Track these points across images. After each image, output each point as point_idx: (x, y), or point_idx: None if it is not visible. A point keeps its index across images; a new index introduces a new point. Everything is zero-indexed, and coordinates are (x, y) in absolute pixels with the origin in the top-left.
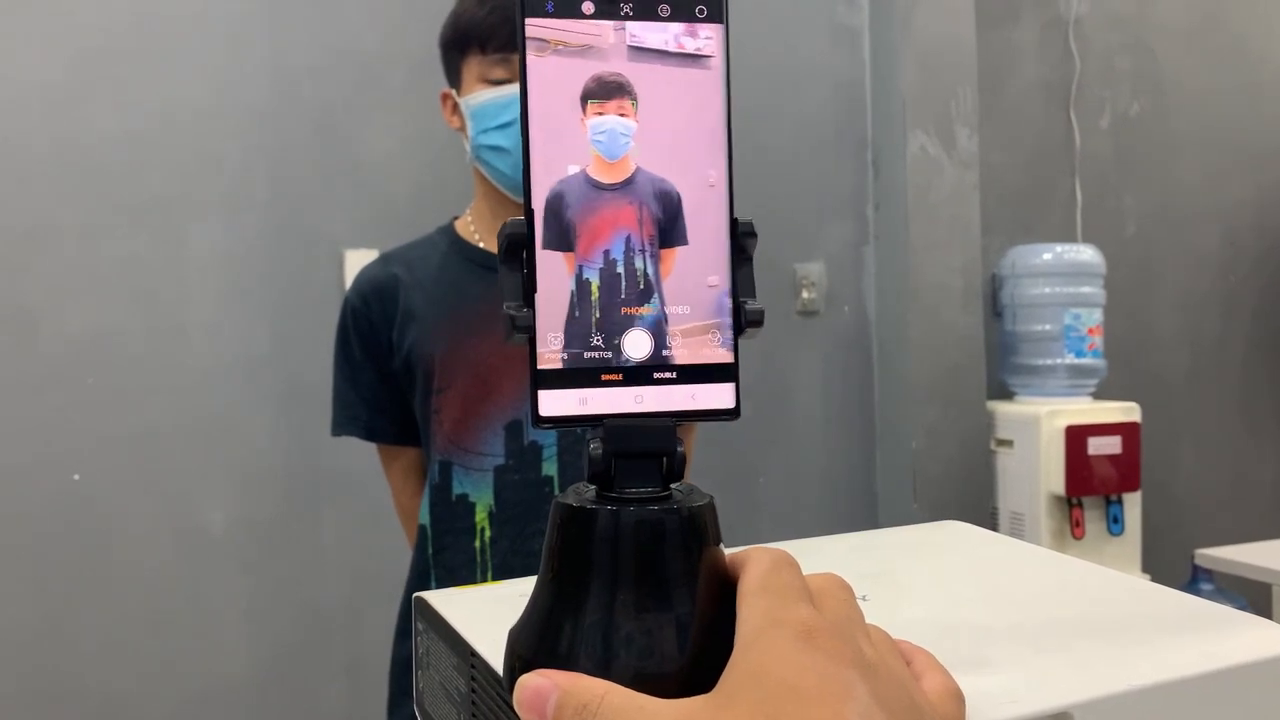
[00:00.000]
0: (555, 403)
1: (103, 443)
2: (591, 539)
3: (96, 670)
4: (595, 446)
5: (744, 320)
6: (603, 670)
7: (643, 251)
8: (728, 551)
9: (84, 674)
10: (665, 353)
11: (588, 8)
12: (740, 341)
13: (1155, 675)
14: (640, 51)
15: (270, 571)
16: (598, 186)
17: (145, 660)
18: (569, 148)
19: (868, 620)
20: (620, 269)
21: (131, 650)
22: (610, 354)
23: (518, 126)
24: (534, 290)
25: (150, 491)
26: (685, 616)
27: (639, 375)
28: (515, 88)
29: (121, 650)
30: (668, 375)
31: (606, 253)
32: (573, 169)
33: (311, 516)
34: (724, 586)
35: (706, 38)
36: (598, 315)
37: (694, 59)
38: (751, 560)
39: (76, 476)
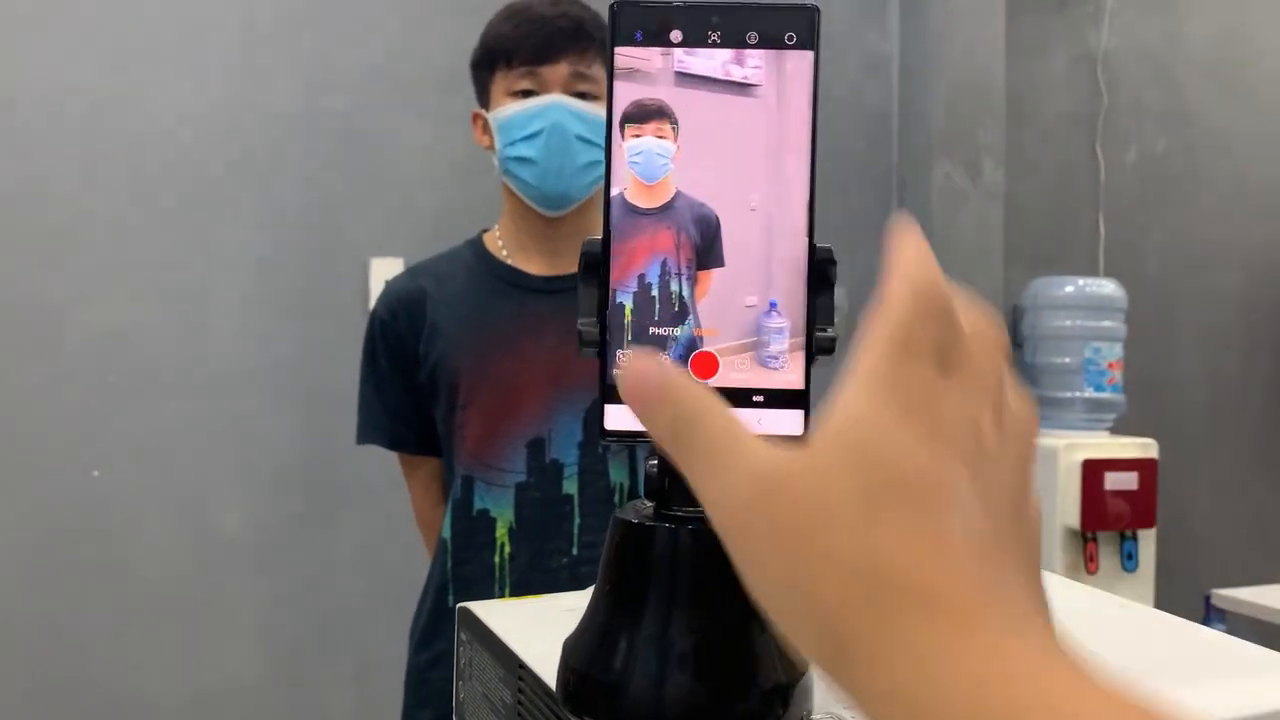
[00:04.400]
0: (620, 417)
1: (123, 441)
2: (649, 555)
3: (109, 668)
4: (653, 464)
5: (815, 348)
6: (656, 686)
7: (679, 275)
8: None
9: (97, 671)
10: (735, 375)
11: (676, 36)
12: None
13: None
14: (686, 78)
15: (284, 575)
16: (635, 211)
17: (157, 659)
18: (612, 170)
19: None
20: (655, 293)
21: (144, 649)
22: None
23: (544, 138)
24: (606, 307)
25: (168, 491)
26: (740, 636)
27: None
28: (540, 100)
29: (134, 649)
30: (735, 399)
31: (641, 277)
32: (612, 191)
33: (327, 522)
34: None
35: (755, 66)
36: (629, 338)
37: (741, 87)
38: (894, 292)
39: (96, 473)
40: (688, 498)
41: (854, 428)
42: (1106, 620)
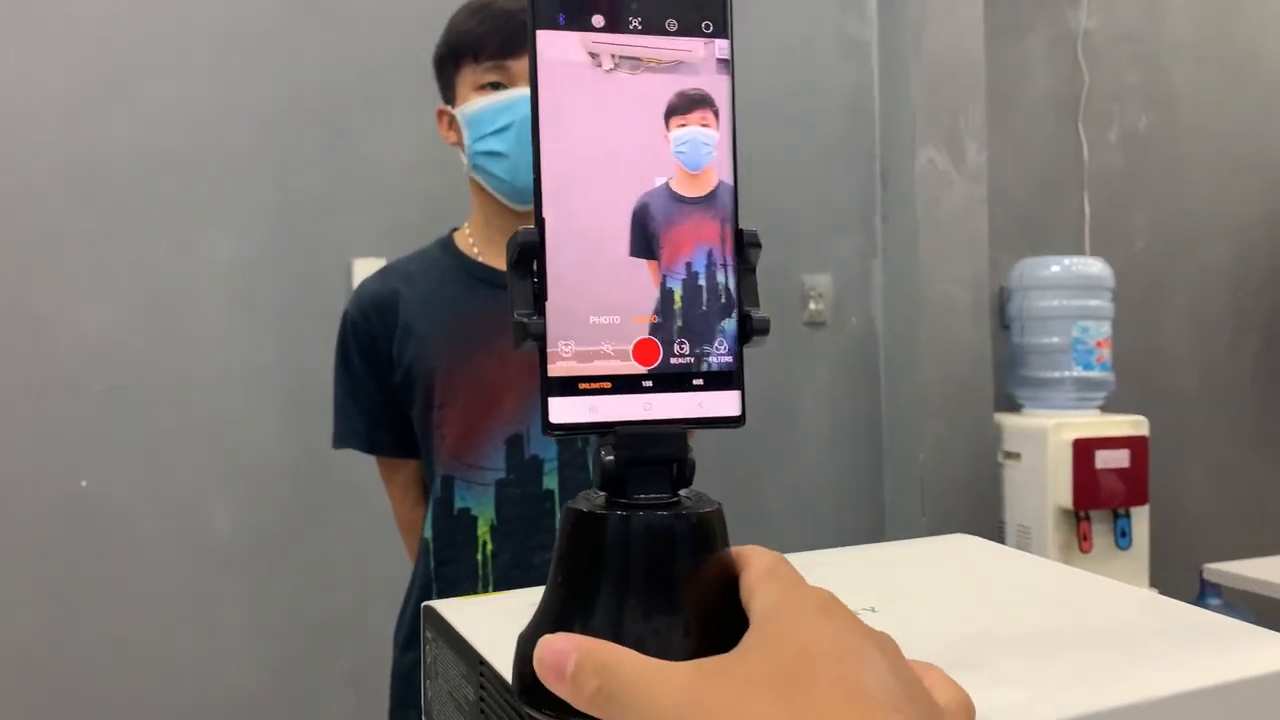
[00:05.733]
0: (565, 410)
1: (111, 449)
2: (602, 544)
3: (103, 677)
4: (607, 453)
5: (751, 328)
6: None
7: (724, 265)
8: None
9: (90, 680)
10: (674, 361)
11: (598, 21)
12: (745, 350)
13: (1166, 687)
14: (723, 64)
15: (277, 579)
16: (681, 200)
17: (151, 667)
18: (655, 160)
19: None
20: (702, 283)
21: (137, 657)
22: (620, 362)
23: (513, 131)
24: (545, 298)
25: (158, 498)
26: (693, 620)
27: (649, 383)
28: (509, 93)
29: (128, 657)
30: (678, 384)
31: (688, 265)
32: (659, 180)
33: (319, 524)
34: (733, 590)
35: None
36: (680, 324)
37: (729, 66)
38: (754, 556)
39: (84, 483)
40: (640, 487)
41: (768, 629)
42: (1080, 595)
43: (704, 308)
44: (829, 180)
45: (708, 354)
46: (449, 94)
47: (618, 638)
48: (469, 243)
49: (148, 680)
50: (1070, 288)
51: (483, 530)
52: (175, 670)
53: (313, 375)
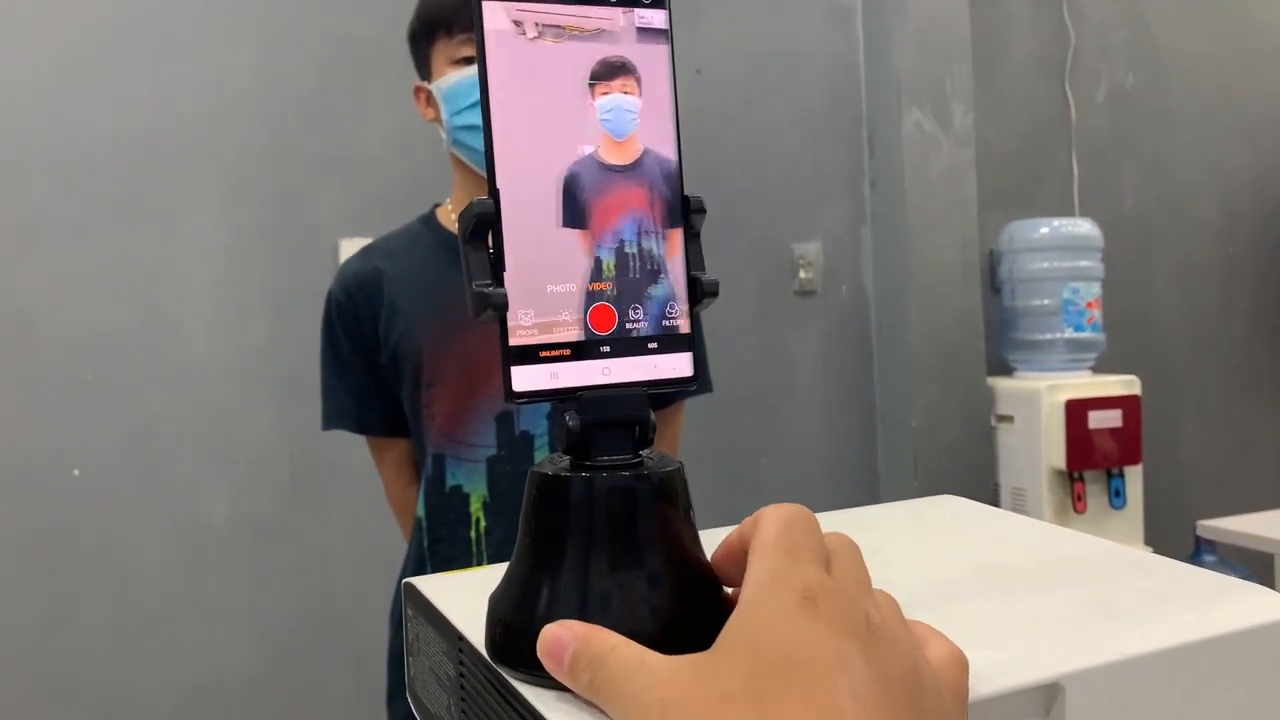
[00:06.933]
0: (527, 378)
1: (102, 438)
2: (567, 505)
3: (100, 665)
4: (572, 417)
5: (701, 291)
6: None
7: (653, 233)
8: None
9: (88, 669)
10: (629, 326)
11: None
12: (700, 313)
13: (1148, 644)
14: (645, 33)
15: (273, 564)
16: (608, 169)
17: (149, 655)
18: (580, 129)
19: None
20: (630, 250)
21: (135, 645)
22: (578, 329)
23: None
24: (503, 268)
25: (151, 486)
26: (657, 575)
27: (606, 348)
28: None
29: (125, 645)
30: (633, 347)
31: (617, 233)
32: (586, 149)
33: (313, 508)
34: (695, 546)
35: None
36: (615, 292)
37: (665, 35)
38: (766, 518)
39: (76, 472)
40: (603, 448)
41: (749, 624)
42: (1068, 553)
43: (634, 275)
44: (816, 147)
45: (641, 319)
46: (424, 70)
47: (584, 595)
48: (451, 218)
49: (145, 668)
50: (1060, 249)
51: (475, 507)
52: (172, 657)
53: (302, 358)
